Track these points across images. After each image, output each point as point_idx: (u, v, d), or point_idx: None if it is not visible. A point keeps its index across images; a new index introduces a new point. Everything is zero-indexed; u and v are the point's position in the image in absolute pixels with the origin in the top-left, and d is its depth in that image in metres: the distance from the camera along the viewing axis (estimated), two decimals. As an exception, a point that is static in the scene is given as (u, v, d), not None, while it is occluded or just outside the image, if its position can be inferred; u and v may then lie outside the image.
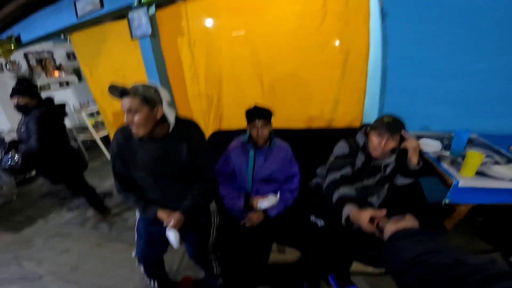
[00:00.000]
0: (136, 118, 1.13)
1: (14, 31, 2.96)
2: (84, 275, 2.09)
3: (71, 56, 5.16)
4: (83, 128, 4.72)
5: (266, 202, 1.70)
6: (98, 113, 4.67)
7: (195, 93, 2.54)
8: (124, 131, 1.27)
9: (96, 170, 4.01)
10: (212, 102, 2.52)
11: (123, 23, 2.33)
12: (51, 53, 4.91)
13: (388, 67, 1.91)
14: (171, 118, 1.22)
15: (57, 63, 4.98)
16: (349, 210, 1.22)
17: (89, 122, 4.30)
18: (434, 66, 1.87)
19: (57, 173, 2.38)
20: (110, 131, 3.24)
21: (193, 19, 2.27)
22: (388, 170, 1.59)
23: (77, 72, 5.15)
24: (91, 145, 4.88)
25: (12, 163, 2.15)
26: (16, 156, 2.16)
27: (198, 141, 1.30)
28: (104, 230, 2.62)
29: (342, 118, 2.23)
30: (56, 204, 3.15)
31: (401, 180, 1.60)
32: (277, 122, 1.88)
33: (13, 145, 2.19)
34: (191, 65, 2.42)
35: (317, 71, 2.13)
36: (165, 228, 1.36)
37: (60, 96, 4.65)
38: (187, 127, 1.30)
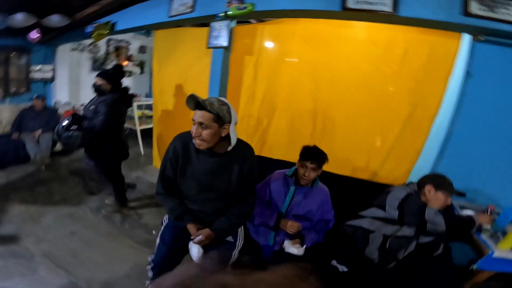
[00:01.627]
0: (205, 132, 1.18)
1: (112, 18, 3.22)
2: (81, 264, 1.96)
3: (142, 49, 5.60)
4: (129, 117, 4.92)
5: (295, 249, 1.59)
6: (146, 106, 4.91)
7: (246, 114, 2.51)
8: (184, 139, 1.32)
9: (127, 160, 4.05)
10: (260, 126, 2.46)
11: (203, 30, 2.42)
12: (128, 43, 5.37)
13: (455, 130, 1.78)
14: (234, 139, 1.26)
15: (130, 54, 5.42)
16: None
17: (136, 113, 4.50)
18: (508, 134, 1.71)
19: (104, 156, 2.40)
20: (155, 126, 3.30)
21: (266, 41, 2.30)
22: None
23: (141, 65, 5.55)
24: (129, 133, 5.06)
25: (70, 138, 2.16)
26: (76, 132, 2.16)
27: (251, 165, 1.34)
28: (117, 222, 2.54)
29: (387, 174, 2.08)
30: (80, 184, 3.16)
31: (421, 238, 1.56)
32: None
33: (75, 120, 2.22)
34: (251, 85, 2.43)
35: (377, 121, 2.03)
36: (190, 240, 1.34)
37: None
38: (244, 149, 1.35)
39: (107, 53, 5.08)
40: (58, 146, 3.80)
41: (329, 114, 2.19)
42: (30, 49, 4.03)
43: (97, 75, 2.29)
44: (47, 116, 3.62)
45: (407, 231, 1.51)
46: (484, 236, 1.63)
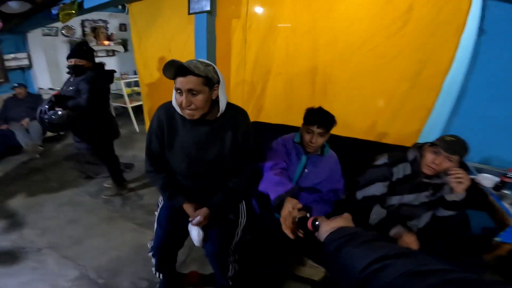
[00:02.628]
0: (197, 99, 1.04)
1: None
2: (85, 251, 1.95)
3: (122, 27, 5.31)
4: (118, 96, 4.83)
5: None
6: (135, 83, 4.76)
7: (239, 80, 2.42)
8: (168, 108, 1.18)
9: (121, 139, 3.95)
10: (255, 92, 2.38)
11: None
12: (105, 23, 5.07)
13: (469, 88, 1.67)
14: (223, 102, 1.13)
15: (109, 33, 5.14)
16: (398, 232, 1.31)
17: (125, 91, 4.37)
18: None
19: (93, 136, 2.34)
20: (145, 102, 3.21)
21: (254, 3, 2.16)
22: (439, 194, 1.39)
23: (124, 44, 5.31)
24: (122, 112, 4.97)
25: (56, 117, 2.06)
26: (61, 111, 2.07)
27: (246, 132, 1.21)
28: (117, 205, 2.52)
29: (397, 134, 2.00)
30: (76, 169, 3.10)
31: (441, 212, 1.40)
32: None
33: (59, 100, 2.12)
34: (241, 50, 2.30)
35: (382, 79, 1.92)
36: (188, 221, 1.25)
37: (105, 63, 4.86)
38: (236, 113, 1.21)
39: (84, 35, 4.80)
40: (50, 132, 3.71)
41: (330, 74, 2.07)
42: None
43: (73, 56, 2.16)
44: (32, 103, 3.48)
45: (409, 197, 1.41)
46: (505, 204, 1.48)
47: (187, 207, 1.26)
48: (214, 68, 1.08)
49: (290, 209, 0.96)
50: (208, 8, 2.10)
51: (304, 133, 1.50)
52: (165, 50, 2.65)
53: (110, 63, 5.03)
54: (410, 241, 1.29)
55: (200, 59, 1.08)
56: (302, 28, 2.09)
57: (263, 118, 2.39)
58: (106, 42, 4.99)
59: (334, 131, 1.76)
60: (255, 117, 2.43)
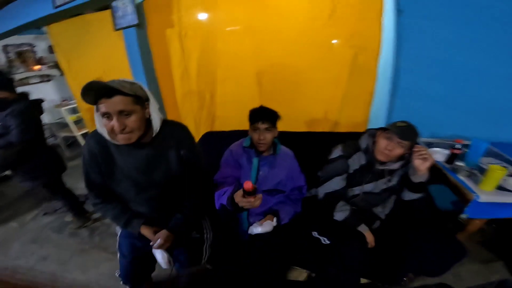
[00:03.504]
0: (131, 121, 0.95)
1: None
2: (66, 286, 1.86)
3: (52, 49, 4.82)
4: (63, 125, 4.41)
5: (259, 228, 1.44)
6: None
7: (185, 91, 2.32)
8: (97, 136, 1.07)
9: (77, 169, 3.69)
10: (204, 100, 2.30)
11: (106, 13, 2.10)
12: (31, 46, 4.57)
13: (401, 68, 1.73)
14: (157, 119, 1.04)
15: (38, 57, 4.64)
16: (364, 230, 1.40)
17: (69, 119, 4.03)
18: (452, 68, 1.70)
19: (37, 174, 2.14)
20: (90, 128, 2.97)
21: (186, 9, 2.05)
22: (394, 179, 1.44)
23: (58, 66, 4.81)
24: (72, 142, 4.60)
25: None
26: None
27: (189, 146, 1.14)
28: (85, 236, 2.37)
29: (347, 122, 2.06)
30: (33, 207, 2.88)
31: (408, 195, 1.44)
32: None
33: None
34: (182, 60, 2.19)
35: (323, 70, 1.95)
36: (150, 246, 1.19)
37: (41, 90, 4.38)
38: (174, 129, 1.13)
39: (10, 61, 4.29)
40: None
41: (276, 72, 2.06)
42: None
43: None
44: None
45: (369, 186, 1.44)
46: (460, 176, 1.49)
47: (146, 231, 1.19)
48: (140, 85, 1.00)
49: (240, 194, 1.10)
50: (135, 21, 1.98)
51: (252, 133, 1.49)
52: (99, 70, 2.46)
53: (47, 90, 4.58)
54: (370, 240, 1.41)
55: (123, 78, 0.99)
56: (241, 29, 2.04)
57: (219, 127, 2.33)
58: (37, 67, 4.51)
59: (289, 127, 1.78)
60: (210, 126, 2.36)
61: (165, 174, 1.12)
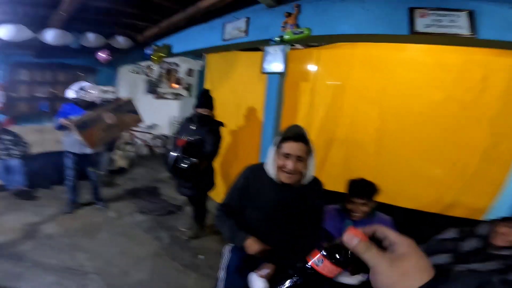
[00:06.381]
0: (300, 166, 1.14)
1: (169, 40, 3.42)
2: (129, 285, 1.99)
3: (190, 72, 5.87)
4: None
5: (350, 279, 1.32)
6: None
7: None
8: (255, 171, 1.28)
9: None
10: (317, 157, 2.36)
11: (255, 55, 2.44)
12: (177, 66, 5.69)
13: None
14: (312, 171, 1.20)
15: (178, 76, 5.74)
16: None
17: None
18: None
19: (203, 185, 2.40)
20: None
21: (322, 66, 2.25)
22: (509, 262, 1.35)
23: (189, 89, 5.78)
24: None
25: (188, 165, 2.11)
26: (192, 160, 2.12)
27: (322, 197, 1.29)
28: (165, 243, 2.56)
29: (463, 208, 1.86)
30: (133, 203, 3.26)
31: None
32: (382, 196, 1.58)
33: (189, 149, 2.16)
34: (308, 114, 2.36)
35: (450, 152, 1.85)
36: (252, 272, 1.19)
37: (170, 106, 5.14)
38: (316, 182, 1.29)
39: (160, 76, 5.42)
40: (117, 163, 4.01)
41: (396, 144, 2.03)
42: (97, 70, 4.41)
43: (204, 106, 2.28)
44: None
45: None
46: None
47: (252, 243, 1.17)
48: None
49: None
50: (281, 69, 2.24)
51: (348, 203, 1.52)
52: (234, 104, 2.81)
53: (173, 106, 5.31)
54: None
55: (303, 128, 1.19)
56: (369, 95, 2.10)
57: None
58: (176, 86, 5.53)
59: (396, 202, 1.65)
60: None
61: (297, 218, 1.24)
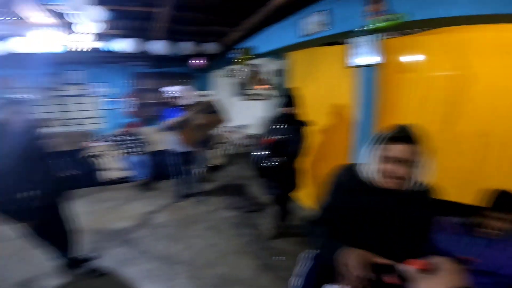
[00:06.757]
0: (408, 170, 0.95)
1: (251, 42, 3.46)
2: (212, 276, 2.11)
3: (274, 72, 5.91)
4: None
5: None
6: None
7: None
8: (351, 171, 1.10)
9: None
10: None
11: (337, 48, 2.28)
12: (260, 67, 5.70)
13: None
14: (423, 173, 0.98)
15: (261, 78, 5.84)
16: None
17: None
18: None
19: (286, 182, 2.42)
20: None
21: (432, 55, 1.87)
22: None
23: (273, 89, 5.83)
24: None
25: (274, 163, 2.16)
26: (278, 159, 2.17)
27: (431, 206, 1.06)
28: (246, 240, 2.62)
29: None
30: (224, 199, 3.48)
31: None
32: None
33: (276, 148, 2.21)
34: (415, 110, 1.99)
35: None
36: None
37: (253, 106, 5.31)
38: (424, 186, 1.04)
39: (246, 78, 5.62)
40: (214, 161, 4.40)
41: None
42: (193, 76, 4.91)
43: (291, 105, 2.27)
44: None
45: None
46: None
47: (352, 255, 0.97)
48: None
49: None
50: (378, 61, 1.94)
51: (489, 219, 1.31)
52: (320, 101, 2.66)
53: (256, 107, 5.34)
54: None
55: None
56: (504, 84, 1.62)
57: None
58: (261, 86, 5.63)
59: None
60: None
61: (398, 226, 1.02)
